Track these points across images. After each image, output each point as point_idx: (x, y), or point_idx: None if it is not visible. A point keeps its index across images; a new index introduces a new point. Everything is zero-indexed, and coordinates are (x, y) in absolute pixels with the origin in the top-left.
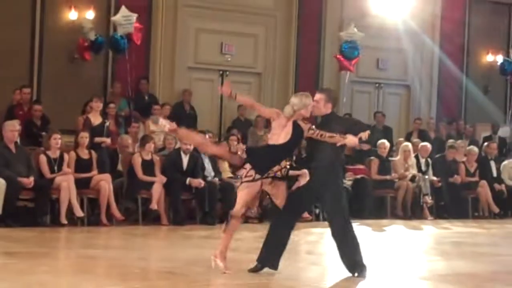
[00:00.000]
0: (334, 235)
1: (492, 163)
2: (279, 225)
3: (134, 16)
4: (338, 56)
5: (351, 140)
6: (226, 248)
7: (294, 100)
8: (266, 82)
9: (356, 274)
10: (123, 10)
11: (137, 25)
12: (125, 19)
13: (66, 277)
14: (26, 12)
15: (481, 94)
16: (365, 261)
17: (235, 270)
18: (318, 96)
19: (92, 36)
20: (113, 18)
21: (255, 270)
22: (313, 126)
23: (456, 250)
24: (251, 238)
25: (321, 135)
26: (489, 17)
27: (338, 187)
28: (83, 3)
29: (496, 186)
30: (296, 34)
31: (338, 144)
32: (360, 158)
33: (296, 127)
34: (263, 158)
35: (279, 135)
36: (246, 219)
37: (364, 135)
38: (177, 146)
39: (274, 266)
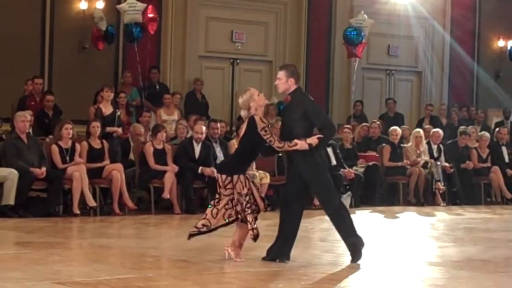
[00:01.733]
0: (330, 218)
1: (504, 149)
2: (286, 216)
3: (141, 5)
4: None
5: (302, 146)
6: (241, 239)
7: (239, 101)
8: (277, 70)
9: (352, 260)
10: None
11: (152, 15)
12: (130, 6)
13: (79, 266)
14: (36, 2)
15: (492, 79)
16: (359, 240)
17: (248, 258)
18: (279, 73)
19: (103, 26)
20: (119, 6)
21: (267, 259)
22: (267, 128)
23: (469, 236)
24: (262, 226)
25: (270, 141)
26: (500, 2)
27: (313, 166)
28: None
29: (509, 171)
30: (307, 21)
31: (290, 149)
32: (371, 145)
33: (251, 121)
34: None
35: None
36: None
37: (314, 141)
38: (189, 135)
39: (284, 258)
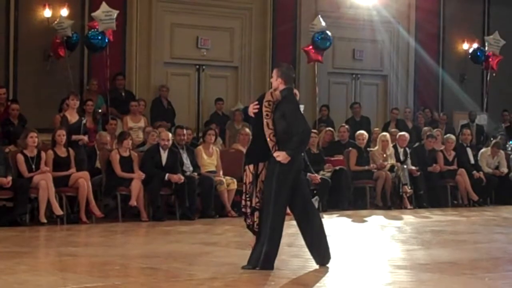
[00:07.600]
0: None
1: (469, 150)
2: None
3: (115, 12)
4: (306, 48)
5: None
6: None
7: None
8: (242, 76)
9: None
10: (104, 6)
11: None
12: (106, 15)
13: (46, 276)
14: (0, 11)
15: (457, 82)
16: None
17: (214, 264)
18: (273, 71)
19: (69, 33)
20: (94, 14)
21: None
22: None
23: (436, 238)
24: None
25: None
26: (463, 6)
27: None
28: (57, 1)
29: (475, 173)
30: (272, 27)
31: None
32: (340, 149)
33: None
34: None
35: None
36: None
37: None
38: (156, 141)
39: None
